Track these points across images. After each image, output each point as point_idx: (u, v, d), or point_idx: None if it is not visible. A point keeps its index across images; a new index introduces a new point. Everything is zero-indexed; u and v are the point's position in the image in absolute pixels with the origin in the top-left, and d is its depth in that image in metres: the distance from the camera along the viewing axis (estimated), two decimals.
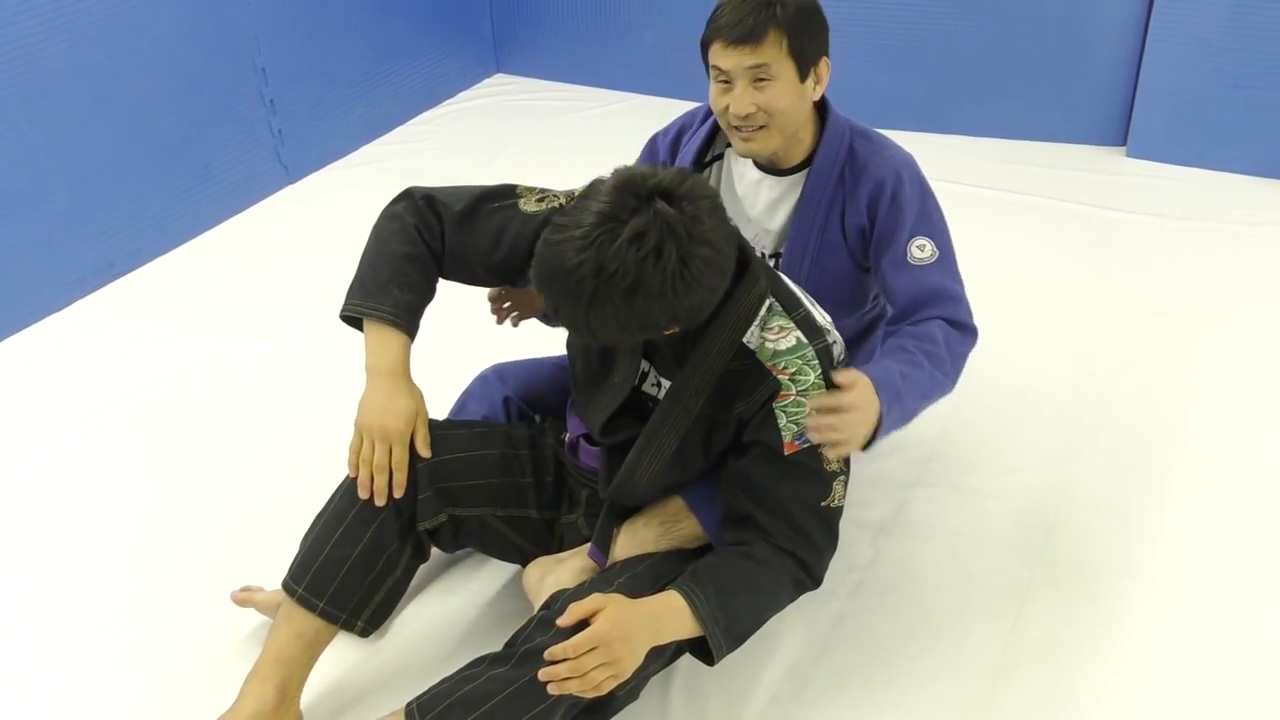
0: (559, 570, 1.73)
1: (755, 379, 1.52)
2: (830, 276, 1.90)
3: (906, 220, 1.83)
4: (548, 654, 1.40)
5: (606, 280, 1.31)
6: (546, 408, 1.96)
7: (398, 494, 1.62)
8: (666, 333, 1.44)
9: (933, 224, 1.86)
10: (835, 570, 1.97)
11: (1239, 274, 2.94)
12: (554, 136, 4.02)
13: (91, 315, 2.97)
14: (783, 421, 1.52)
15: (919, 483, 2.21)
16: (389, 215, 1.74)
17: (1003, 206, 3.33)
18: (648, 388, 1.65)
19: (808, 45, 1.77)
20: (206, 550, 2.11)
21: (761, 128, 1.79)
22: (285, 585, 1.64)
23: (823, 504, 1.57)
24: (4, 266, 2.81)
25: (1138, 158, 3.59)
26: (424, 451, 1.64)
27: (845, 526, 2.08)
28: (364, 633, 1.66)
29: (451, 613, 1.94)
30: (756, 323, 1.52)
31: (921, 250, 1.83)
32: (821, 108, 1.90)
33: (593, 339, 1.43)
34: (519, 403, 1.97)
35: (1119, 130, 3.65)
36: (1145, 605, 1.92)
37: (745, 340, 1.52)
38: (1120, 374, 2.53)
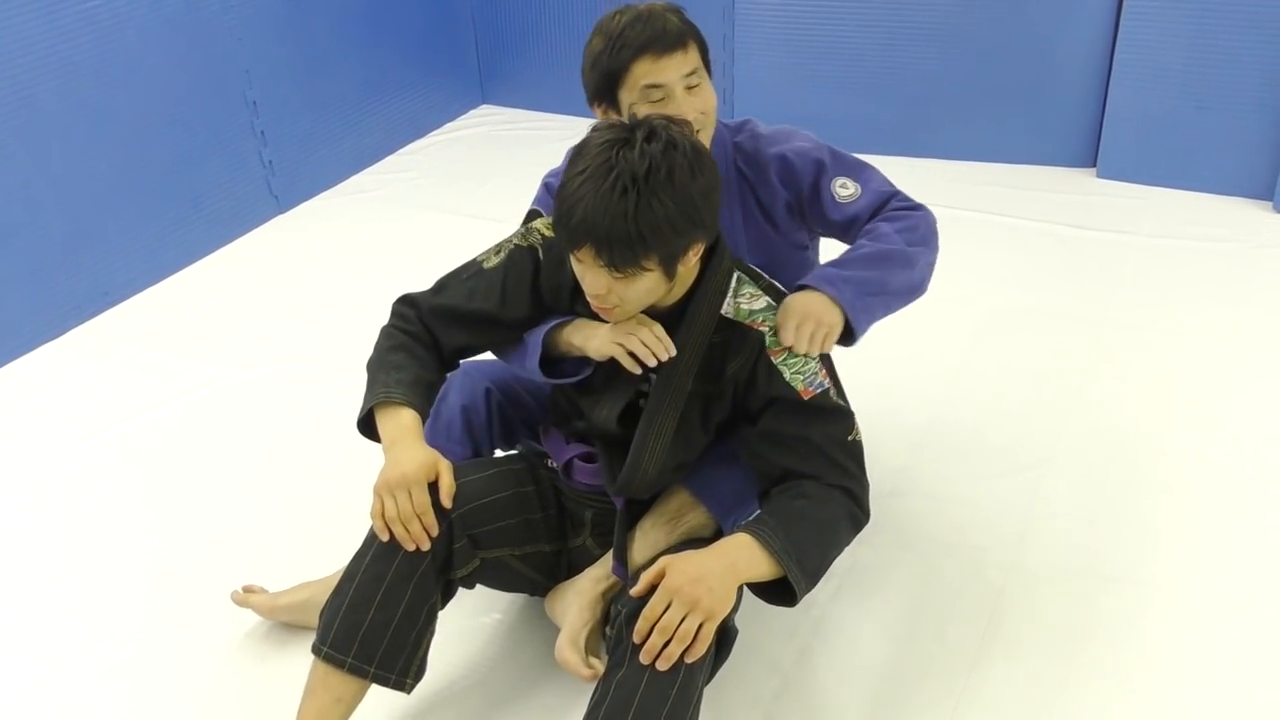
0: (578, 584, 1.77)
1: (739, 341, 1.63)
2: (769, 269, 1.90)
3: (818, 172, 1.89)
4: (635, 636, 1.45)
5: (645, 179, 1.41)
6: (524, 406, 1.96)
7: (431, 535, 1.58)
8: (694, 246, 1.51)
9: (842, 162, 1.92)
10: None
11: (1205, 289, 3.02)
12: (538, 165, 3.96)
13: (86, 343, 3.02)
14: (788, 375, 1.61)
15: (894, 492, 2.27)
16: (380, 333, 1.77)
17: (977, 226, 3.42)
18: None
19: (705, 45, 1.82)
20: (199, 571, 2.15)
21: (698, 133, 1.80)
22: (330, 657, 1.57)
23: (849, 438, 1.64)
24: (1, 295, 2.87)
25: (1107, 178, 3.68)
26: (445, 502, 1.60)
27: None
28: (410, 689, 1.63)
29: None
30: (729, 294, 1.64)
31: (845, 189, 1.89)
32: None
33: (639, 262, 1.45)
34: (499, 396, 1.94)
35: (1089, 152, 3.75)
36: (1113, 605, 1.98)
37: (723, 312, 1.62)
38: (1089, 385, 2.60)
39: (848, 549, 2.10)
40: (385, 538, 1.58)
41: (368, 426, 1.69)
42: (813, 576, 1.57)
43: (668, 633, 1.43)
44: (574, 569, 1.83)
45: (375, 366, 1.71)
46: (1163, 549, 2.10)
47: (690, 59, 1.76)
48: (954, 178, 3.74)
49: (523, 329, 1.75)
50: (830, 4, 3.79)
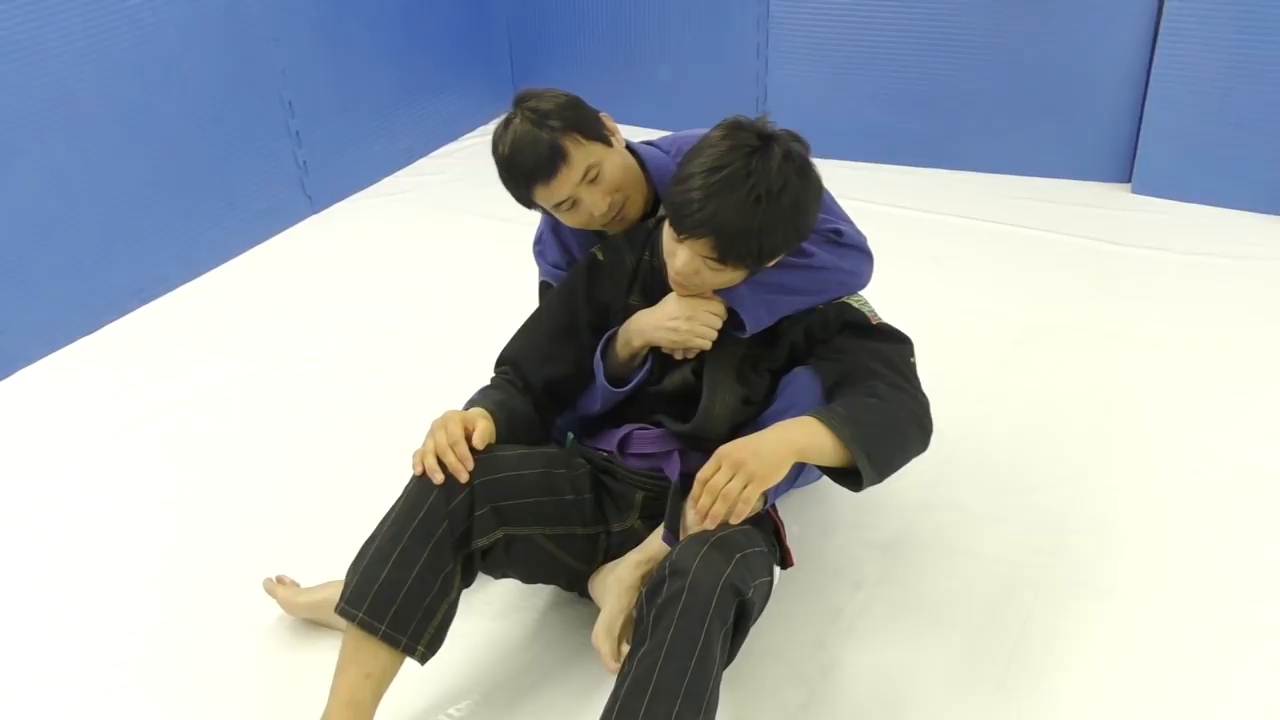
0: (619, 568, 1.77)
1: None
2: None
3: None
4: (689, 500, 1.59)
5: (777, 195, 1.55)
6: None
7: (467, 467, 1.63)
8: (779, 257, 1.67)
9: None
10: (843, 587, 2.05)
11: (1240, 307, 2.99)
12: None
13: (121, 338, 3.05)
14: (858, 303, 1.78)
15: (926, 505, 2.26)
16: None
17: (1010, 240, 3.40)
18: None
19: (591, 125, 1.84)
20: (228, 566, 2.17)
21: (625, 202, 1.87)
22: (344, 611, 1.61)
23: (911, 359, 1.77)
24: (39, 290, 2.90)
25: (1142, 194, 3.66)
26: (476, 442, 1.66)
27: (853, 545, 2.15)
28: (423, 659, 1.64)
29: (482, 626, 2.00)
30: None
31: None
32: (629, 150, 1.95)
33: (748, 257, 1.60)
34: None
35: (1124, 167, 3.72)
36: (1145, 625, 1.96)
37: None
38: (1123, 402, 2.58)
39: (876, 560, 2.11)
40: (418, 471, 1.64)
41: None
42: (882, 466, 1.66)
43: (714, 492, 1.54)
44: (615, 553, 1.83)
45: (473, 398, 1.82)
46: (1197, 571, 2.08)
47: (575, 168, 1.81)
48: (987, 191, 3.72)
49: (596, 332, 1.85)
50: (865, 14, 3.79)
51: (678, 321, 1.73)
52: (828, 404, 1.70)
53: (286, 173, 3.63)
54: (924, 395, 1.75)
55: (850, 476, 1.67)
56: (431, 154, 4.26)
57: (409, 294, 3.25)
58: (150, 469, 2.49)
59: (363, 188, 3.95)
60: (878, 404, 1.66)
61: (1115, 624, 1.96)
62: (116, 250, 3.11)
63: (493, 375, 1.88)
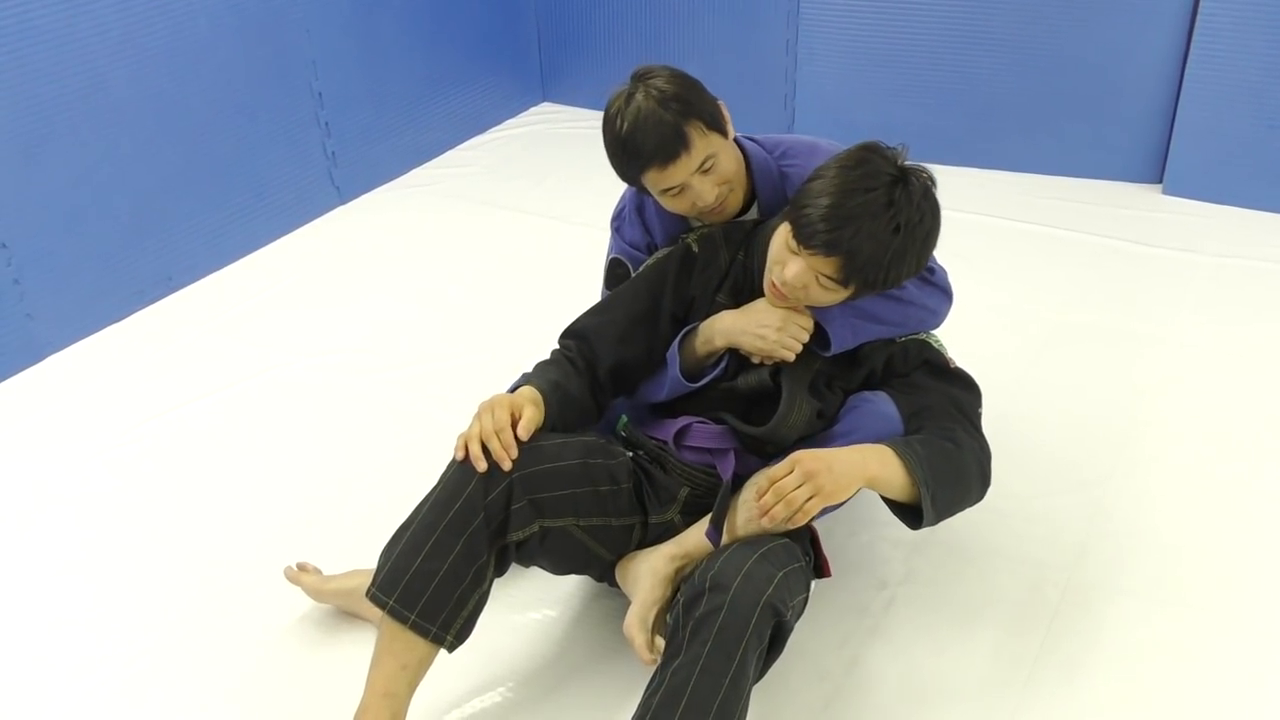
0: (652, 558, 1.76)
1: None
2: None
3: None
4: (755, 493, 1.60)
5: (913, 229, 1.58)
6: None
7: (510, 455, 1.62)
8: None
9: None
10: (869, 585, 2.04)
11: (1273, 311, 2.96)
12: (596, 165, 4.00)
13: (148, 327, 3.07)
14: (936, 344, 1.80)
15: None
16: None
17: (1041, 240, 3.38)
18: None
19: (712, 114, 1.83)
20: (253, 555, 2.18)
21: (729, 195, 1.87)
22: (375, 598, 1.61)
23: (979, 409, 1.80)
24: (68, 277, 2.92)
25: (1174, 195, 3.62)
26: (521, 433, 1.65)
27: (879, 544, 2.14)
28: (451, 647, 1.64)
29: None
30: None
31: None
32: (735, 141, 1.95)
33: (869, 283, 1.62)
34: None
35: (1156, 168, 3.69)
36: (1171, 628, 1.94)
37: None
38: (1152, 404, 2.56)
39: (903, 559, 2.10)
40: (461, 455, 1.63)
41: None
42: (942, 511, 1.67)
43: (780, 494, 1.54)
44: (650, 545, 1.81)
45: (527, 374, 1.81)
46: (1224, 574, 2.06)
47: (694, 156, 1.80)
48: (1018, 190, 3.70)
49: (674, 324, 1.85)
50: (895, 11, 3.77)
51: (767, 330, 1.73)
52: (904, 436, 1.71)
53: (315, 164, 3.64)
54: (989, 448, 1.76)
55: (910, 513, 1.68)
56: (459, 146, 4.26)
57: (435, 286, 3.26)
58: (176, 457, 2.50)
59: (390, 179, 3.96)
60: (953, 450, 1.68)
61: (1142, 626, 1.94)
62: (146, 238, 3.12)
63: (555, 348, 1.86)
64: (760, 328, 1.74)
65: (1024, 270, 3.20)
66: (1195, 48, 3.43)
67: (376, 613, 1.65)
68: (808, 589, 1.65)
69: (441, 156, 4.17)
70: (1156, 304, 3.01)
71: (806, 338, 1.74)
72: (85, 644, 1.99)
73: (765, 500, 1.56)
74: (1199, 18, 3.38)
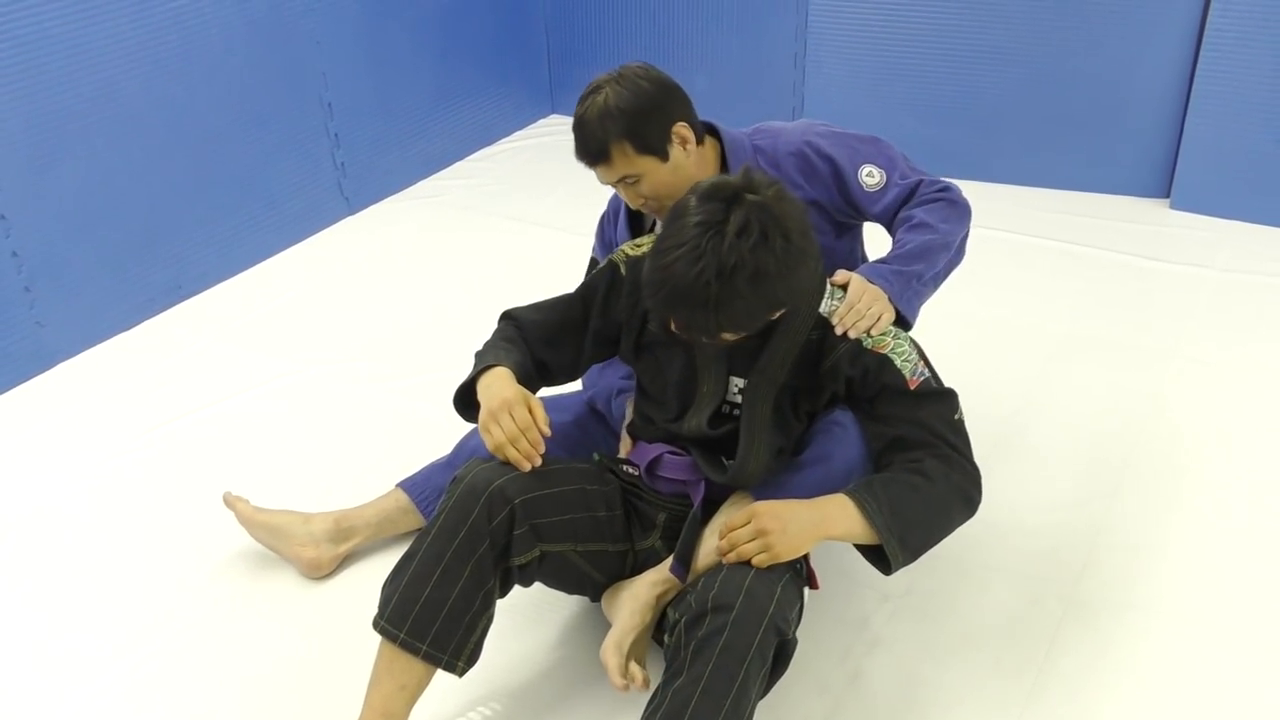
0: (634, 585, 1.77)
1: (834, 338, 1.72)
2: None
3: (842, 163, 1.95)
4: (717, 536, 1.61)
5: (729, 277, 1.48)
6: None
7: (539, 451, 1.65)
8: (777, 314, 1.62)
9: (864, 150, 1.98)
10: (869, 598, 2.04)
11: (1278, 326, 2.96)
12: None
13: (158, 335, 3.09)
14: (897, 364, 1.71)
15: None
16: (493, 333, 1.88)
17: (1048, 254, 3.38)
18: (730, 397, 1.77)
19: (652, 137, 1.85)
20: (262, 561, 2.19)
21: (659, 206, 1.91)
22: (384, 630, 1.61)
23: (955, 417, 1.73)
24: (80, 284, 2.94)
25: (1181, 210, 3.63)
26: (544, 429, 1.67)
27: None
28: (462, 673, 1.64)
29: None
30: (826, 296, 1.74)
31: (871, 177, 1.95)
32: (711, 132, 1.98)
33: (717, 337, 1.58)
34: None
35: (1163, 183, 3.69)
36: (1175, 643, 1.94)
37: (821, 311, 1.72)
38: (1157, 419, 2.56)
39: (904, 572, 2.10)
40: (501, 457, 1.66)
41: (465, 406, 1.79)
42: (916, 549, 1.65)
43: (734, 544, 1.57)
44: (639, 571, 1.82)
45: (484, 349, 1.80)
46: (1229, 590, 2.06)
47: (614, 171, 1.87)
48: (1025, 204, 3.70)
49: (601, 344, 1.85)
50: (903, 25, 3.78)
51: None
52: (872, 473, 1.70)
53: (324, 174, 3.66)
54: (973, 464, 1.72)
55: (882, 558, 1.64)
56: (468, 157, 4.28)
57: (444, 296, 3.27)
58: (185, 464, 2.51)
59: (399, 190, 3.97)
60: (922, 484, 1.64)
61: (1145, 642, 1.94)
62: (157, 247, 3.14)
63: (506, 328, 1.85)
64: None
65: (1031, 284, 3.21)
66: (1202, 63, 3.43)
67: (299, 549, 1.85)
68: (801, 598, 1.65)
69: (450, 168, 4.19)
70: (1163, 319, 3.01)
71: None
72: (93, 647, 2.00)
73: (720, 545, 1.59)
74: (1206, 34, 3.39)
